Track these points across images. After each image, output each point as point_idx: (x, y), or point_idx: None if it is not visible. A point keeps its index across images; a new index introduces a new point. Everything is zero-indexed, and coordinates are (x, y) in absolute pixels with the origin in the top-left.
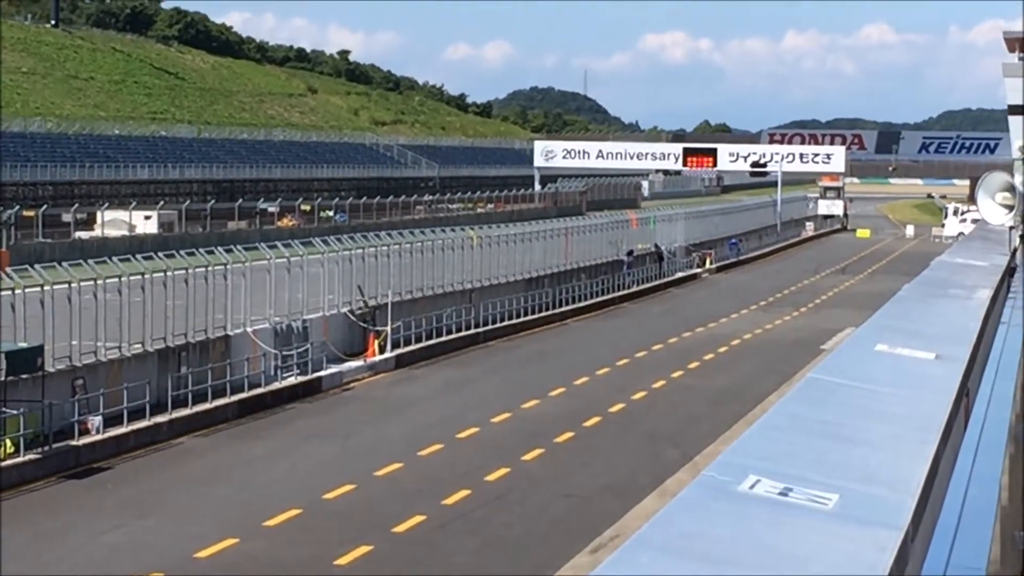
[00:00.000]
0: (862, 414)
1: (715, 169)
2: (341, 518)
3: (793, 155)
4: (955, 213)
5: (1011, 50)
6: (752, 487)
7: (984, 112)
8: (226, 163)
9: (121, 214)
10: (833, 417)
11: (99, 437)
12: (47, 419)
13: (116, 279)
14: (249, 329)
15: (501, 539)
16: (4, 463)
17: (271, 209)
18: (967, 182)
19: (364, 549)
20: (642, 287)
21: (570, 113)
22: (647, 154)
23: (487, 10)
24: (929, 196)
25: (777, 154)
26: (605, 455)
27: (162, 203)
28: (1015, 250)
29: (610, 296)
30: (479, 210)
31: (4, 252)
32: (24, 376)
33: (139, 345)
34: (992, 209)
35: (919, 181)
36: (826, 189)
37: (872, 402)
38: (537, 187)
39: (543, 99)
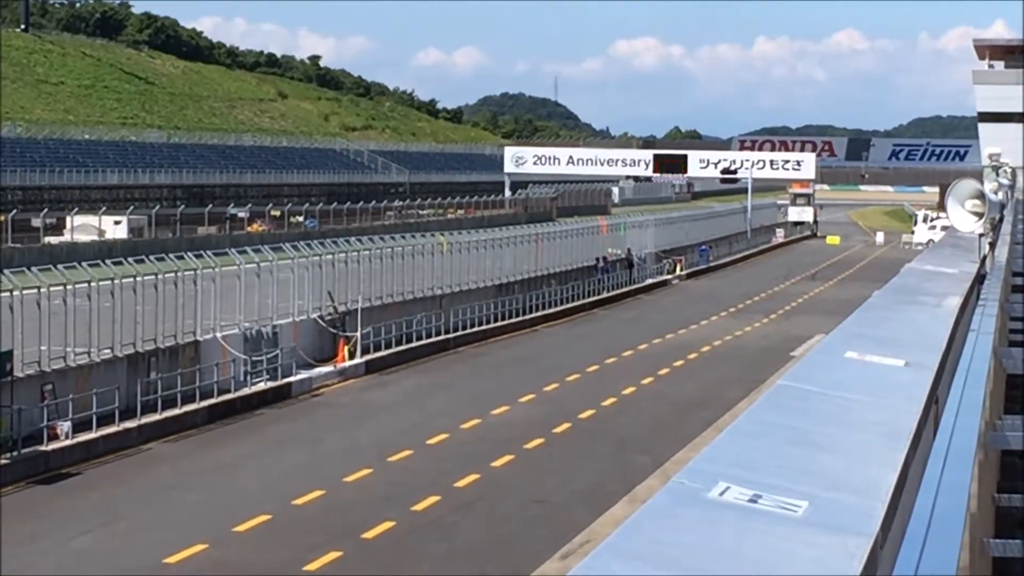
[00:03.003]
0: (832, 421)
1: (685, 176)
2: (310, 524)
3: (763, 162)
4: (925, 220)
5: (981, 57)
6: (722, 494)
7: (954, 119)
8: (196, 168)
9: (91, 219)
10: (803, 424)
11: (68, 442)
12: (16, 424)
13: (86, 284)
14: (219, 335)
15: (470, 545)
16: None
17: (241, 214)
18: (937, 189)
19: (333, 555)
20: (612, 293)
21: (541, 119)
22: (618, 160)
23: (457, 15)
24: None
25: (747, 161)
26: (575, 461)
27: (132, 208)
28: (984, 258)
29: (580, 302)
30: (449, 216)
31: None
32: None
33: (108, 350)
34: (962, 216)
35: (889, 188)
36: (796, 196)
37: (842, 409)
38: (507, 193)
39: (514, 105)
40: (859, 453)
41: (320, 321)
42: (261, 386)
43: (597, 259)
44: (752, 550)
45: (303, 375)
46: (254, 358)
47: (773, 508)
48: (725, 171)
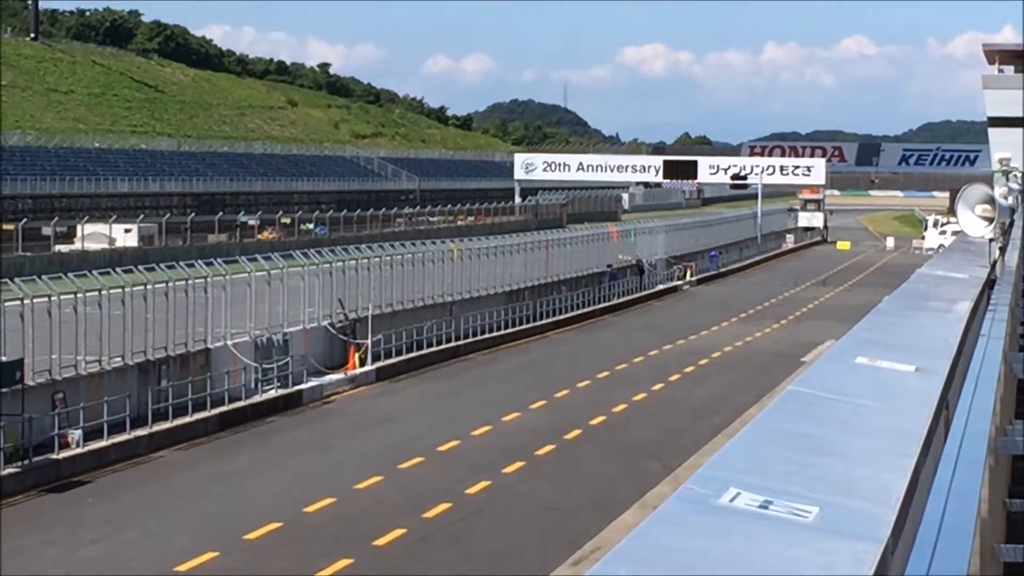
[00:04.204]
0: (842, 427)
1: (695, 182)
2: (321, 531)
3: (773, 167)
4: (935, 225)
5: (990, 62)
6: (732, 500)
7: (964, 124)
8: (206, 176)
9: (101, 227)
10: (813, 430)
11: (79, 451)
12: (27, 433)
13: (96, 292)
14: (229, 342)
15: (481, 552)
16: None
17: (251, 222)
18: (947, 194)
19: (344, 562)
20: (623, 300)
21: (550, 126)
22: (627, 167)
23: (467, 23)
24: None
25: (757, 166)
26: (586, 468)
27: (142, 216)
28: (995, 262)
29: (591, 309)
30: (459, 223)
31: None
32: (4, 390)
33: (119, 359)
34: (972, 221)
35: (899, 193)
36: (806, 201)
37: (852, 415)
38: (517, 200)
39: (523, 112)
40: (869, 459)
41: (330, 328)
42: (272, 394)
43: (609, 266)
44: (762, 556)
45: (314, 382)
46: (265, 366)
47: (783, 514)
48: (735, 177)
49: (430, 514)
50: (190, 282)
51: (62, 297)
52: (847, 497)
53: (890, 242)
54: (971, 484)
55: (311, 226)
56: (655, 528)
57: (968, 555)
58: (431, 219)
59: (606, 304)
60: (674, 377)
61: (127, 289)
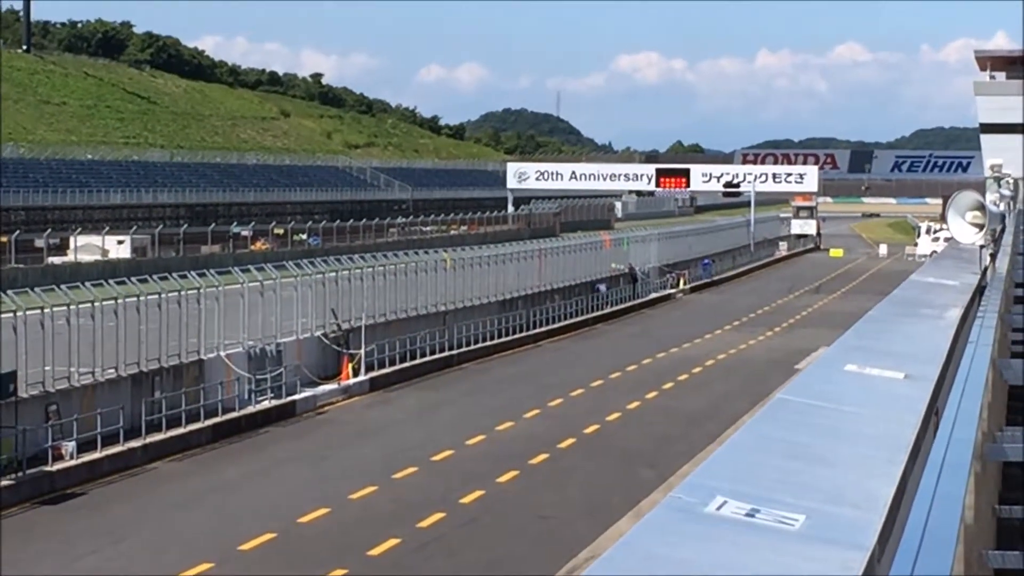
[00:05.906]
0: (830, 434)
1: (688, 189)
2: (316, 542)
3: (766, 175)
4: (928, 232)
5: (982, 68)
6: (719, 508)
7: (956, 130)
8: (199, 187)
9: (94, 239)
10: (801, 438)
11: (73, 463)
12: (20, 445)
13: (89, 304)
14: (223, 353)
15: (476, 562)
16: None
17: (244, 233)
18: (940, 201)
19: (339, 573)
20: (616, 308)
21: (543, 135)
22: (620, 175)
23: (460, 32)
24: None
25: (750, 174)
26: (580, 477)
27: (135, 228)
28: (985, 269)
29: (584, 317)
30: (452, 232)
31: None
32: None
33: (112, 370)
34: (963, 228)
35: (892, 200)
36: (799, 209)
37: (840, 422)
38: (510, 209)
39: (516, 121)
40: (857, 466)
41: (324, 339)
42: (265, 404)
43: (595, 284)
44: (749, 565)
45: (307, 393)
46: (258, 376)
47: (770, 522)
48: (728, 184)
49: (424, 524)
50: (183, 293)
51: (55, 309)
52: (834, 505)
53: (883, 249)
54: (958, 491)
55: (304, 236)
56: (642, 537)
57: (951, 561)
58: (424, 229)
59: (599, 313)
60: (668, 385)
61: (120, 301)
